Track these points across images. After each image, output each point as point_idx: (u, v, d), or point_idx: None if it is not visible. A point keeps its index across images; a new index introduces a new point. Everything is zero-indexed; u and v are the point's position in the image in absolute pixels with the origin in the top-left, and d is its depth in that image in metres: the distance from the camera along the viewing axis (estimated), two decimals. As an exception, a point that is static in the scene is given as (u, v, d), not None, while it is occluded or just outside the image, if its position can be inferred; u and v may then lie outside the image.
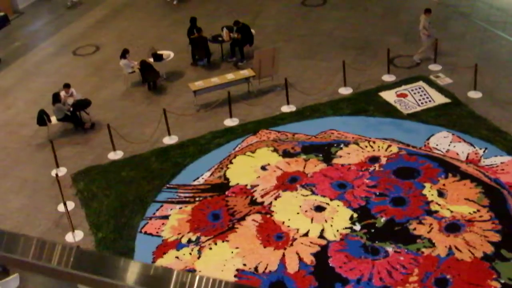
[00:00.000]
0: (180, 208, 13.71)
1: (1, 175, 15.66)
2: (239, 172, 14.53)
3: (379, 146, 14.88)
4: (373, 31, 20.90)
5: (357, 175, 13.92)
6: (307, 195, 13.45)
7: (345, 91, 17.61)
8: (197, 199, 13.90)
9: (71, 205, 14.14)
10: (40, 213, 14.18)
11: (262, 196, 13.60)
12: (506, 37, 19.91)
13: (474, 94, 16.94)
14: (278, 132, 15.99)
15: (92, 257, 1.81)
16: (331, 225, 12.61)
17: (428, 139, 15.22)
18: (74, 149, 16.33)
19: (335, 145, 15.08)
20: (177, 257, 12.36)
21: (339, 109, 16.80)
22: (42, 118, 16.53)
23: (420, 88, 17.41)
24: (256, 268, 11.82)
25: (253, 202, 13.48)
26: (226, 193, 13.91)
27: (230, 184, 14.17)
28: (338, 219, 12.74)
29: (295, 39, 20.87)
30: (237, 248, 12.34)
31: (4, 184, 15.37)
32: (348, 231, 12.44)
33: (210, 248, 12.42)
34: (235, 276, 11.68)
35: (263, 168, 14.51)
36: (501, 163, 14.20)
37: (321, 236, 12.39)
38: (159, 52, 19.26)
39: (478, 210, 12.72)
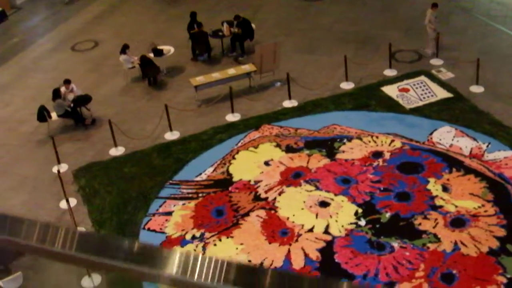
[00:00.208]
0: (183, 204, 13.63)
1: (1, 172, 15.53)
2: (242, 167, 14.45)
3: (382, 141, 14.82)
4: (373, 25, 20.83)
5: (361, 170, 13.86)
6: (311, 191, 13.38)
7: (347, 85, 17.54)
8: (200, 195, 13.82)
9: (73, 202, 14.03)
10: (41, 210, 14.06)
11: (266, 192, 13.53)
12: (507, 31, 19.87)
13: (476, 89, 16.89)
14: (280, 127, 15.91)
15: (96, 239, 1.79)
16: (336, 221, 12.55)
17: (431, 133, 15.17)
18: (74, 145, 16.21)
19: (338, 140, 15.01)
20: (181, 254, 12.27)
21: (341, 104, 16.73)
22: (42, 114, 16.41)
23: (422, 83, 17.35)
24: (261, 264, 11.75)
25: (257, 198, 13.41)
26: (230, 189, 13.83)
27: (233, 180, 14.08)
28: (343, 215, 12.67)
29: (295, 33, 20.78)
30: (241, 244, 12.27)
31: (4, 181, 15.24)
32: (353, 226, 12.38)
33: (215, 245, 12.35)
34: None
35: (266, 163, 14.43)
36: (505, 157, 14.16)
37: (326, 231, 12.32)
38: (159, 47, 19.14)
39: (483, 205, 12.68)
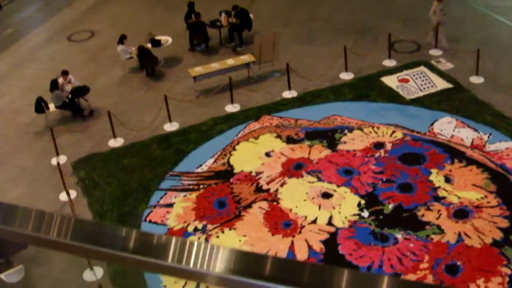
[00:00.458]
0: (185, 196, 13.53)
1: (-1, 163, 15.41)
2: (243, 158, 14.36)
3: (383, 132, 14.76)
4: (371, 15, 20.73)
5: (362, 161, 13.80)
6: (313, 182, 13.32)
7: (346, 76, 17.46)
8: (201, 186, 13.73)
9: (72, 194, 13.91)
10: (41, 202, 13.92)
11: (267, 183, 13.45)
12: (505, 22, 19.82)
13: (476, 79, 16.85)
14: (280, 118, 15.82)
15: (91, 227, 1.76)
16: (339, 212, 12.49)
17: (432, 124, 15.13)
18: (73, 136, 16.06)
19: (339, 131, 14.94)
20: (183, 246, 12.18)
21: (341, 95, 16.65)
22: (40, 106, 16.23)
23: (421, 73, 17.29)
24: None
25: (258, 189, 13.33)
26: (231, 180, 13.74)
27: (235, 171, 13.99)
28: (346, 206, 12.62)
29: (293, 24, 20.65)
30: (244, 236, 12.20)
31: (3, 173, 15.09)
32: (357, 218, 12.34)
33: (218, 237, 12.28)
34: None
35: (267, 154, 14.34)
36: (506, 148, 14.15)
37: (330, 223, 12.27)
38: (157, 37, 18.97)
39: (486, 196, 12.66)
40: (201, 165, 14.38)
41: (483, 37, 18.74)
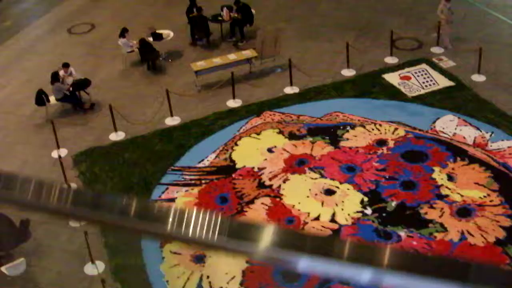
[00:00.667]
0: (186, 191, 13.49)
1: (0, 155, 15.29)
2: (245, 154, 14.31)
3: (385, 129, 14.74)
4: (372, 12, 20.68)
5: (365, 158, 13.78)
6: (316, 178, 13.29)
7: (348, 72, 17.42)
8: (203, 181, 13.68)
9: (73, 187, 13.81)
10: (42, 195, 13.82)
11: (270, 179, 13.41)
12: (506, 20, 19.81)
13: (477, 78, 16.84)
14: (282, 113, 15.77)
15: (90, 196, 1.78)
16: (342, 209, 12.47)
17: (434, 122, 15.12)
18: (73, 129, 15.97)
19: (341, 127, 14.91)
20: (186, 241, 12.14)
21: (343, 91, 16.62)
22: (41, 98, 16.13)
23: (423, 71, 17.27)
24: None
25: (261, 185, 13.29)
26: (233, 175, 13.70)
27: (237, 166, 13.94)
28: (349, 203, 12.60)
29: (294, 19, 20.58)
30: (247, 232, 12.14)
31: (3, 166, 14.96)
32: (360, 215, 12.32)
33: (220, 232, 12.22)
34: (246, 262, 11.49)
35: (270, 150, 14.30)
36: (508, 147, 14.15)
37: (333, 220, 12.25)
38: (159, 31, 18.88)
39: (488, 195, 12.66)
40: (202, 160, 14.33)
41: (484, 35, 18.72)
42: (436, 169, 13.34)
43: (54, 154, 14.88)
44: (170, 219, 1.69)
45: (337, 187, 13.01)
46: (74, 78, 16.66)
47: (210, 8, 20.00)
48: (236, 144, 14.72)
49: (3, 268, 11.43)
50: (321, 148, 14.20)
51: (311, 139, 14.55)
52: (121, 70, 18.44)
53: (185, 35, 19.57)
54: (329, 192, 12.91)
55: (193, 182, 13.72)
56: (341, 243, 1.71)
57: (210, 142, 14.93)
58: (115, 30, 18.93)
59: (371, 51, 18.16)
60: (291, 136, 14.69)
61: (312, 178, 13.31)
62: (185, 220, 1.66)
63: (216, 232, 1.68)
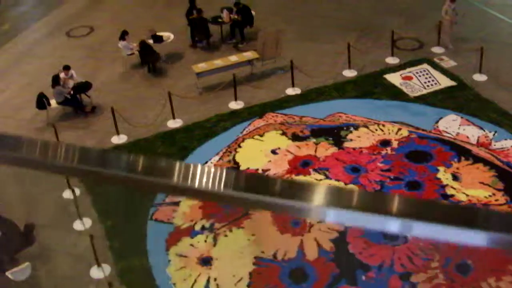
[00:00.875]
0: (191, 193, 13.39)
1: (1, 160, 15.18)
2: (248, 156, 14.26)
3: (389, 130, 14.71)
4: (373, 12, 20.68)
5: (370, 159, 13.74)
6: (321, 180, 13.25)
7: (350, 73, 17.40)
8: (207, 184, 13.58)
9: (76, 191, 13.76)
10: (44, 200, 13.77)
11: (274, 181, 13.33)
12: (505, 19, 19.83)
13: (479, 77, 16.84)
14: (285, 115, 15.73)
15: (95, 153, 1.77)
16: (348, 210, 12.40)
17: (437, 122, 15.10)
18: (75, 133, 15.90)
19: (344, 128, 14.86)
20: (191, 245, 12.08)
21: (345, 92, 16.60)
22: (42, 102, 16.05)
23: (425, 71, 17.26)
24: (274, 255, 11.61)
25: (266, 187, 13.21)
26: (237, 178, 13.61)
27: (241, 168, 13.89)
28: (355, 204, 12.53)
29: (295, 20, 20.55)
30: (253, 235, 12.10)
31: (4, 170, 14.87)
32: (366, 216, 12.25)
33: (226, 235, 12.17)
34: (253, 263, 11.45)
35: (274, 152, 14.25)
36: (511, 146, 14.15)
37: (339, 221, 12.18)
38: (159, 33, 18.81)
39: (494, 194, 12.64)
40: (206, 162, 14.26)
41: (484, 35, 18.73)
42: (441, 169, 13.31)
43: (56, 158, 14.78)
44: (176, 173, 1.67)
45: (342, 188, 12.94)
46: (75, 80, 16.58)
47: (210, 10, 19.95)
48: (240, 146, 14.67)
49: (8, 273, 11.34)
50: (325, 149, 14.16)
51: (314, 140, 14.51)
52: (121, 72, 18.37)
53: (185, 37, 19.52)
54: (334, 193, 12.84)
55: (197, 184, 13.63)
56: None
57: (213, 144, 14.88)
58: (115, 33, 18.86)
59: (372, 52, 18.15)
60: (295, 138, 14.65)
61: (316, 180, 13.26)
62: (190, 174, 1.64)
63: (222, 183, 1.66)
